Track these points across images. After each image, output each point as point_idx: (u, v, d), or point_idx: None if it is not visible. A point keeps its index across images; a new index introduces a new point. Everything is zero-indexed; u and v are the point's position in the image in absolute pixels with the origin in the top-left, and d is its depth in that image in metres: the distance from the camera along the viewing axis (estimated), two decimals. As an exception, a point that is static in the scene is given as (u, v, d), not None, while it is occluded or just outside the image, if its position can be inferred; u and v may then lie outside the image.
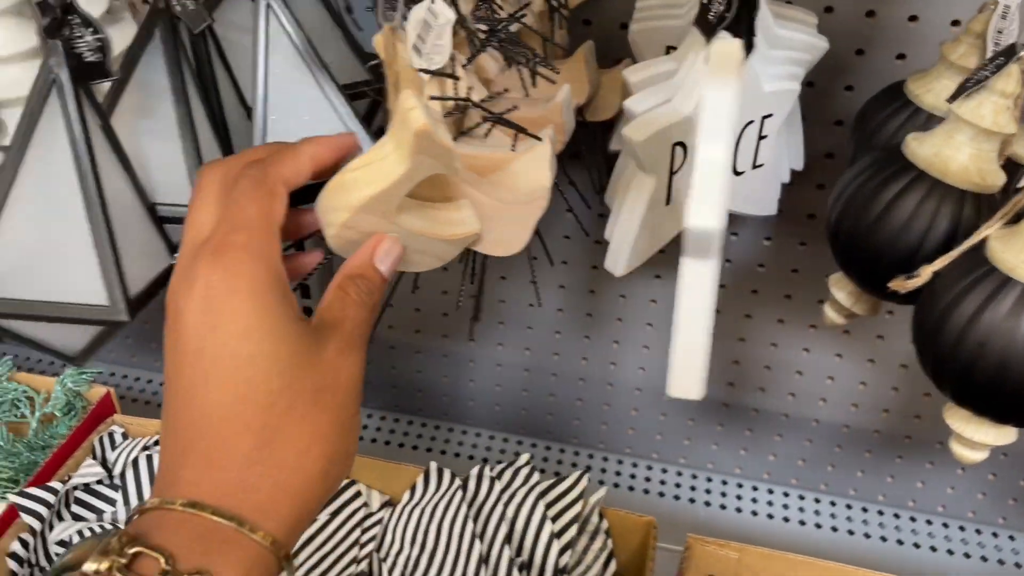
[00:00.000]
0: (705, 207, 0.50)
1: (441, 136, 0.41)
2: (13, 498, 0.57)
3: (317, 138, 0.42)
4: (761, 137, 0.61)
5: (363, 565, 0.57)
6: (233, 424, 0.33)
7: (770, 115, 0.60)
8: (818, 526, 1.00)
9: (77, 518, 0.57)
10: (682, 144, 0.58)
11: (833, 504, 1.03)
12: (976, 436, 0.49)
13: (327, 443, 0.34)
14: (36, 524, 0.56)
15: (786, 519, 1.01)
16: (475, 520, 0.56)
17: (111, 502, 0.60)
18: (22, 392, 0.67)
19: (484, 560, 0.55)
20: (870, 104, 0.65)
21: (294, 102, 0.51)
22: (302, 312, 0.37)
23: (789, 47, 0.63)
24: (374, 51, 0.66)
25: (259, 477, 0.32)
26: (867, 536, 0.99)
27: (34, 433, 0.66)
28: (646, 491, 1.03)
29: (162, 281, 0.45)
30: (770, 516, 1.01)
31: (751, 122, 0.60)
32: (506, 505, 0.57)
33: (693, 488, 1.04)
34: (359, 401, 0.37)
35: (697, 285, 0.53)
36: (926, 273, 0.47)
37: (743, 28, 0.56)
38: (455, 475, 0.61)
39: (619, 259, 0.61)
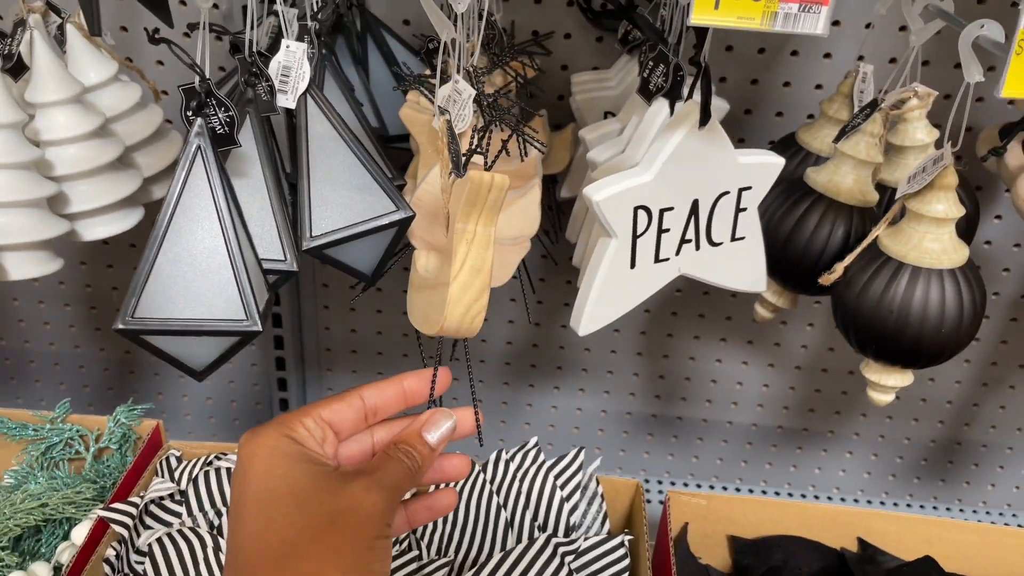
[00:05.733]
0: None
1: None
2: (102, 512, 0.65)
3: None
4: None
5: (404, 545, 0.68)
6: (259, 547, 0.40)
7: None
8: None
9: (150, 529, 0.66)
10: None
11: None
12: (889, 382, 0.65)
13: (342, 558, 0.40)
14: (124, 533, 0.64)
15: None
16: (498, 495, 0.68)
17: (177, 515, 0.68)
18: (76, 431, 0.74)
19: (510, 525, 0.67)
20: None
21: (332, 163, 0.63)
22: (329, 460, 0.44)
23: (703, 109, 0.80)
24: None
25: None
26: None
27: (89, 467, 0.73)
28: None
29: (269, 307, 0.56)
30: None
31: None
32: (522, 481, 0.69)
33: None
34: (384, 532, 0.42)
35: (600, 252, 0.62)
36: (840, 267, 0.64)
37: (673, 96, 0.72)
38: (474, 462, 0.73)
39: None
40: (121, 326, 0.50)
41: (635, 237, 0.63)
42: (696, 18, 0.45)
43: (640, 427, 1.16)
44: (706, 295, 1.04)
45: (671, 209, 0.63)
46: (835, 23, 0.86)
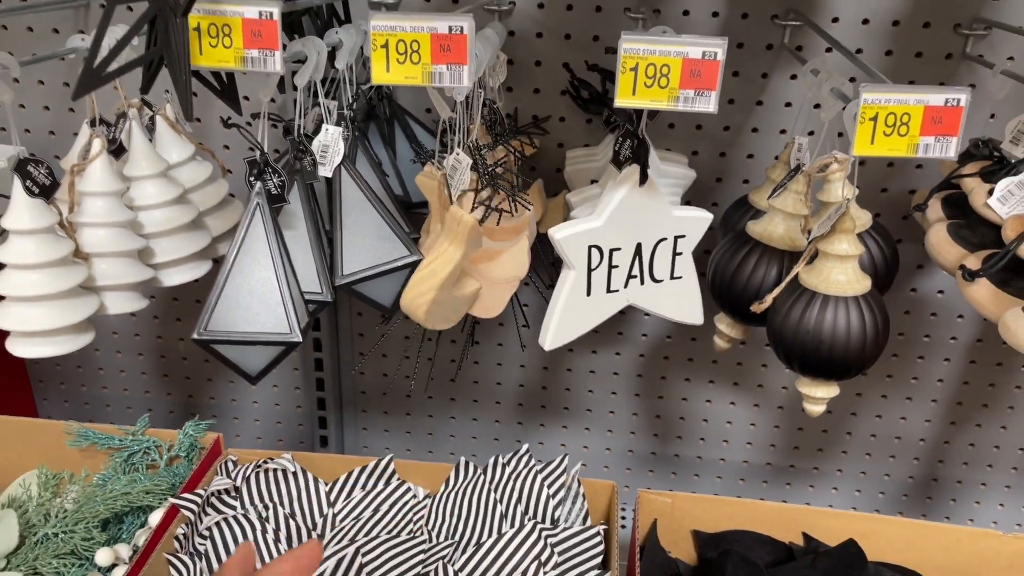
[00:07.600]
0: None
1: (478, 228, 0.70)
2: (174, 499, 0.80)
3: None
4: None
5: (418, 535, 0.82)
6: None
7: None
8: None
9: (210, 515, 0.81)
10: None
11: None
12: (818, 393, 0.78)
13: None
14: (191, 516, 0.80)
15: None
16: (495, 492, 0.82)
17: (232, 507, 0.83)
18: (153, 442, 0.90)
19: (504, 516, 0.80)
20: (728, 211, 0.98)
21: (359, 219, 0.79)
22: None
23: (670, 176, 0.96)
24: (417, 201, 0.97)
25: None
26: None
27: (163, 471, 0.89)
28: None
29: (308, 327, 0.72)
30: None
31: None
32: (515, 480, 0.83)
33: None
34: None
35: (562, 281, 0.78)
36: (769, 299, 0.78)
37: (641, 163, 0.88)
38: (477, 466, 0.87)
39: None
40: (196, 336, 0.66)
41: (590, 270, 0.78)
42: (619, 101, 0.61)
43: (641, 464, 1.29)
44: (694, 341, 1.17)
45: (619, 249, 0.78)
46: (787, 104, 1.01)
